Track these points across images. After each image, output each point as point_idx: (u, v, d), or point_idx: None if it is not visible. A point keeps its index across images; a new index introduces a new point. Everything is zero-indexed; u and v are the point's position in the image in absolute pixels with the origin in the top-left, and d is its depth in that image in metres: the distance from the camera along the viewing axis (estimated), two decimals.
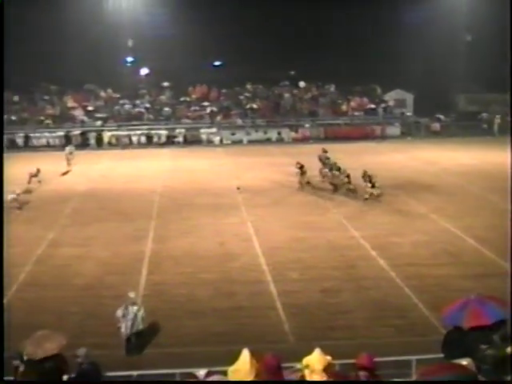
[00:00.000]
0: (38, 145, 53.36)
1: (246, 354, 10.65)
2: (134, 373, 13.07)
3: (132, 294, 16.26)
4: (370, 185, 30.75)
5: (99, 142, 53.88)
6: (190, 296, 19.32)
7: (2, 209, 17.53)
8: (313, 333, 16.36)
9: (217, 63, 70.23)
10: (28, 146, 52.86)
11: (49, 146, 52.62)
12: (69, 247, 24.42)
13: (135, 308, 15.95)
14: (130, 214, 29.06)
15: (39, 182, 35.37)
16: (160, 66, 61.97)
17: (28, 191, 33.46)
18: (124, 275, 21.13)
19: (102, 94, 61.30)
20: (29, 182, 34.57)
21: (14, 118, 56.28)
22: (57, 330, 14.45)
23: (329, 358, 10.27)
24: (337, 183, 32.70)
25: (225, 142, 54.64)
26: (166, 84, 62.86)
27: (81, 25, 55.66)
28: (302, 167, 33.61)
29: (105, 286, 20.20)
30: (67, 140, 51.53)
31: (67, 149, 42.35)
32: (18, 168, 36.96)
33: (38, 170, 35.48)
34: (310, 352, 9.90)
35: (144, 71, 66.78)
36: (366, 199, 30.45)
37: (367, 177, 31.04)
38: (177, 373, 12.57)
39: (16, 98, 59.25)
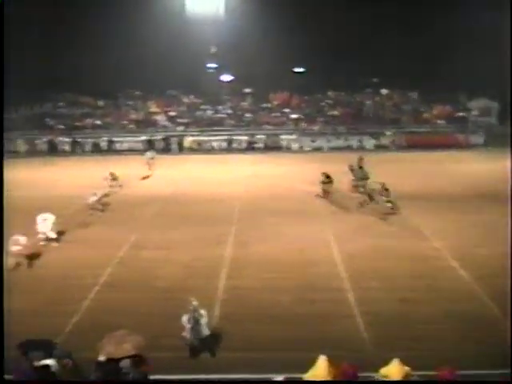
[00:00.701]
0: (121, 149, 54.49)
1: (323, 361, 10.64)
2: (211, 376, 13.19)
3: (195, 301, 16.33)
4: (384, 198, 30.18)
5: (181, 147, 54.67)
6: (269, 301, 19.38)
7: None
8: (391, 343, 16.17)
9: (298, 70, 70.34)
10: (111, 149, 54.06)
11: (131, 151, 53.66)
12: (151, 250, 24.85)
13: (199, 313, 16.11)
14: (210, 219, 29.33)
15: (120, 186, 35.99)
16: (242, 72, 62.53)
17: (108, 194, 34.10)
18: (204, 279, 21.34)
19: (185, 99, 62.26)
20: (109, 186, 35.25)
21: (98, 122, 57.87)
22: (136, 331, 14.81)
23: (407, 368, 10.15)
24: (368, 193, 32.10)
25: (305, 148, 54.61)
26: (247, 90, 63.37)
27: (164, 31, 56.68)
28: (328, 177, 33.89)
29: (185, 289, 20.41)
30: (149, 145, 52.47)
31: (148, 154, 43.11)
32: (100, 171, 37.81)
33: (112, 174, 36.01)
34: (387, 362, 9.79)
35: (226, 77, 67.50)
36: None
37: (383, 190, 30.38)
38: (253, 378, 12.61)
39: (101, 103, 60.88)
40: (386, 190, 30.14)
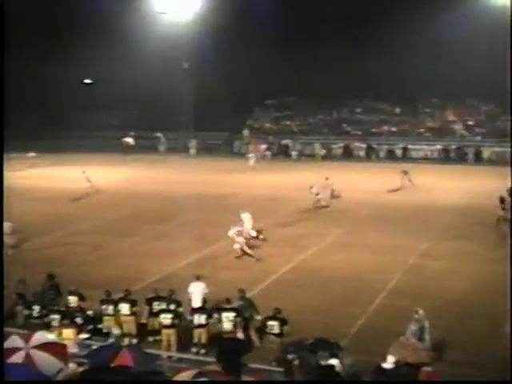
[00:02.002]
0: (416, 157, 54.06)
1: None
2: None
3: (421, 311, 15.80)
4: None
5: (478, 158, 52.83)
6: None
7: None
8: None
9: None
10: (406, 157, 53.80)
11: (427, 159, 53.04)
12: (439, 260, 24.36)
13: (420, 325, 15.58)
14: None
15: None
16: None
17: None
18: (491, 294, 20.30)
19: (484, 108, 60.06)
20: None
21: (394, 129, 58.14)
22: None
23: None
24: None
25: None
26: None
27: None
28: None
29: (471, 303, 19.71)
30: (445, 154, 51.45)
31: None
32: (391, 178, 37.99)
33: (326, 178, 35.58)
34: None
35: None
36: None
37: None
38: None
39: (397, 110, 61.02)
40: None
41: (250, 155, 50.22)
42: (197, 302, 18.60)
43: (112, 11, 52.24)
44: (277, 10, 51.24)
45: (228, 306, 17.48)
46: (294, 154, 56.34)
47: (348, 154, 56.14)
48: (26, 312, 18.63)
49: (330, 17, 53.47)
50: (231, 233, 25.87)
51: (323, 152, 55.62)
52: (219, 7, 50.62)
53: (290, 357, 14.26)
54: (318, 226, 30.61)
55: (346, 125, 60.54)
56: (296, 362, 13.97)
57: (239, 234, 25.82)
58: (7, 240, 26.30)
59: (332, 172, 37.67)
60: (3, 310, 11.96)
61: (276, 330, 16.41)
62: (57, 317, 17.27)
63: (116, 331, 17.50)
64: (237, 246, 25.58)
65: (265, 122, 63.85)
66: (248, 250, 25.58)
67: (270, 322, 16.53)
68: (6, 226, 26.72)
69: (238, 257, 25.35)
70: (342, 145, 57.05)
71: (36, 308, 18.37)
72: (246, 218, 27.31)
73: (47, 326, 16.98)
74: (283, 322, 16.43)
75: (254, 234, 27.21)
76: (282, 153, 57.24)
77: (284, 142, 58.40)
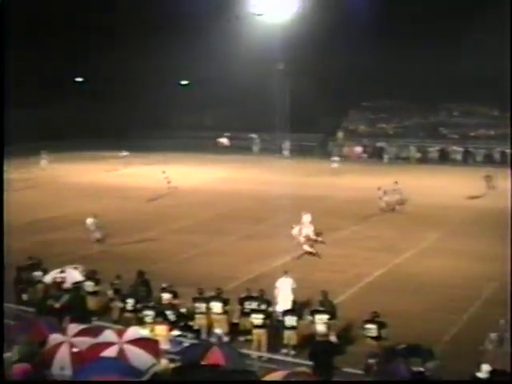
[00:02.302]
0: None
1: None
2: None
3: (502, 321, 15.44)
4: None
5: None
6: None
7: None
8: None
9: None
10: (504, 161, 52.01)
11: None
12: None
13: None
14: None
15: None
16: None
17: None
18: None
19: None
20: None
21: (492, 132, 56.67)
22: None
23: None
24: None
25: None
26: None
27: None
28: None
29: None
30: None
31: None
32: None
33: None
34: None
35: None
36: None
37: None
38: None
39: (496, 113, 59.26)
40: None
41: (335, 158, 49.59)
42: (284, 297, 18.68)
43: (209, 14, 52.89)
44: (373, 12, 50.64)
45: (322, 309, 17.36)
46: (385, 157, 55.62)
47: (444, 158, 54.98)
48: (120, 305, 19.02)
49: (429, 16, 52.44)
50: (294, 231, 26.45)
51: (418, 155, 54.75)
52: (315, 9, 50.43)
53: (370, 361, 14.09)
54: (413, 230, 30.08)
55: (442, 128, 59.32)
56: (375, 368, 13.81)
57: (301, 233, 26.43)
58: (92, 235, 27.66)
59: (426, 175, 37.00)
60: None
61: (374, 333, 16.14)
62: (150, 313, 17.47)
63: (219, 331, 17.62)
64: (305, 247, 26.06)
65: (360, 124, 63.28)
66: (309, 249, 26.03)
67: (368, 325, 16.25)
68: (89, 222, 27.89)
69: (298, 257, 25.59)
70: (437, 148, 55.96)
71: (130, 301, 18.70)
72: (307, 219, 27.41)
73: (140, 322, 17.23)
74: (381, 325, 16.15)
75: (312, 235, 27.18)
76: (376, 155, 56.60)
77: (379, 144, 57.74)
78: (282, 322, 17.22)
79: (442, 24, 52.26)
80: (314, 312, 17.26)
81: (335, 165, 47.57)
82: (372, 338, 16.14)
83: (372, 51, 54.64)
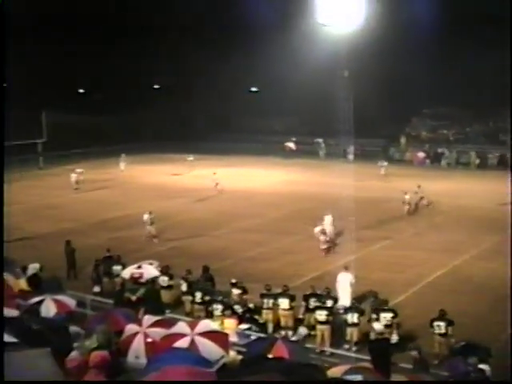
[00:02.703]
0: None
1: None
2: None
3: None
4: None
5: None
6: None
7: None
8: None
9: None
10: None
11: None
12: None
13: None
14: None
15: None
16: None
17: None
18: None
19: None
20: None
21: None
22: None
23: None
24: None
25: None
26: None
27: None
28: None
29: None
30: None
31: None
32: None
33: None
34: None
35: None
36: None
37: None
38: None
39: None
40: None
41: (383, 163, 48.63)
42: (344, 291, 18.90)
43: (277, 24, 53.08)
44: (436, 21, 49.86)
45: (386, 307, 17.30)
46: (443, 162, 54.66)
47: (504, 164, 53.59)
48: (190, 298, 19.25)
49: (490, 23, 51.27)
50: (316, 230, 26.91)
51: (478, 161, 53.68)
52: (379, 19, 49.98)
53: (413, 353, 13.96)
54: (472, 232, 29.50)
55: (501, 134, 57.89)
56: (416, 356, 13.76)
57: (323, 232, 26.88)
58: (147, 229, 28.67)
59: (485, 180, 36.18)
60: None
61: (442, 331, 16.19)
62: (219, 307, 17.63)
63: (303, 331, 17.66)
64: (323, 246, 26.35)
65: (422, 130, 62.42)
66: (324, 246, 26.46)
67: (437, 323, 16.29)
68: (146, 217, 28.75)
69: (325, 253, 26.11)
70: (497, 154, 54.67)
71: (198, 294, 18.95)
72: (328, 220, 28.07)
73: (210, 315, 17.38)
74: (449, 323, 16.22)
75: (332, 235, 27.71)
76: (438, 160, 55.75)
77: (440, 150, 56.84)
78: (345, 318, 17.17)
79: (504, 29, 51.01)
80: (378, 310, 17.18)
81: (383, 170, 46.93)
82: (440, 335, 16.17)
83: (433, 59, 53.98)
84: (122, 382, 9.93)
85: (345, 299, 18.74)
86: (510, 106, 48.76)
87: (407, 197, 33.31)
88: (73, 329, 11.76)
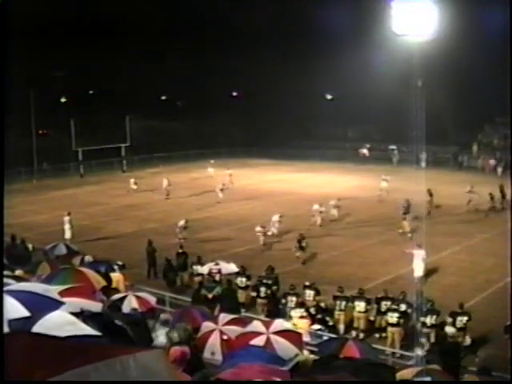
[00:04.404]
0: None
1: None
2: None
3: None
4: None
5: None
6: None
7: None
8: None
9: None
10: None
11: None
12: None
13: None
14: None
15: None
16: None
17: None
18: None
19: None
20: None
21: None
22: None
23: None
24: None
25: None
26: None
27: None
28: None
29: None
30: None
31: None
32: None
33: None
34: None
35: None
36: None
37: None
38: None
39: None
40: None
41: (387, 177, 43.05)
42: (418, 267, 20.75)
43: (353, 34, 52.87)
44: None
45: (460, 311, 16.92)
46: (499, 170, 52.82)
47: None
48: (254, 293, 19.65)
49: None
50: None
51: None
52: (455, 28, 49.06)
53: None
54: None
55: None
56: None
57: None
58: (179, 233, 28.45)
59: None
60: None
61: None
62: (294, 307, 17.61)
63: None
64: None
65: (494, 138, 60.71)
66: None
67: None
68: (181, 222, 28.73)
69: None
70: None
71: (262, 290, 19.35)
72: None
73: (283, 315, 17.37)
74: None
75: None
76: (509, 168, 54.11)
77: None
78: (423, 322, 16.83)
79: None
80: (454, 314, 16.79)
81: (384, 183, 41.83)
82: None
83: (506, 68, 52.52)
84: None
85: (418, 271, 20.84)
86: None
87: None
88: (163, 316, 11.94)
